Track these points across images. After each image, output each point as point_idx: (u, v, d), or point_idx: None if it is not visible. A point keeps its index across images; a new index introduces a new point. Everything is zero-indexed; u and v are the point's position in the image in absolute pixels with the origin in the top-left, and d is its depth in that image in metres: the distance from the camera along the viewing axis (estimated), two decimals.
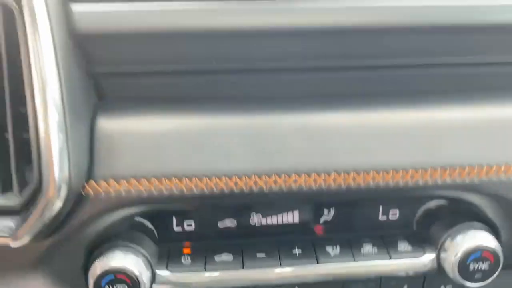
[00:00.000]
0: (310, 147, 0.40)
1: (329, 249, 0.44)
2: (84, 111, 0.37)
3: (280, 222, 0.46)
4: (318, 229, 0.46)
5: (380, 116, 0.40)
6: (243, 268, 0.42)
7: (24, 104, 0.34)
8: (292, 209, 0.44)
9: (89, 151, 0.36)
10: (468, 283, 0.41)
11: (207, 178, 0.39)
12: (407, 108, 0.40)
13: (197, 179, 0.38)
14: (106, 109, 0.38)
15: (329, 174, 0.38)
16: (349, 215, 0.45)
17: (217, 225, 0.45)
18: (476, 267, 0.39)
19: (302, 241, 0.44)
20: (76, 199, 0.36)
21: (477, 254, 0.41)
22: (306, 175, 0.38)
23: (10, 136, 0.35)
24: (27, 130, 0.34)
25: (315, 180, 0.39)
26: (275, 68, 0.41)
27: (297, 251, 0.44)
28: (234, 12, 0.36)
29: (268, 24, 0.37)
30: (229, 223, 0.46)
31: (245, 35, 0.38)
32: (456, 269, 0.41)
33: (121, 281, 0.38)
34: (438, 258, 0.40)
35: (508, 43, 0.40)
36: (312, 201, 0.43)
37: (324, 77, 0.41)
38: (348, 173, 0.37)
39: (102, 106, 0.38)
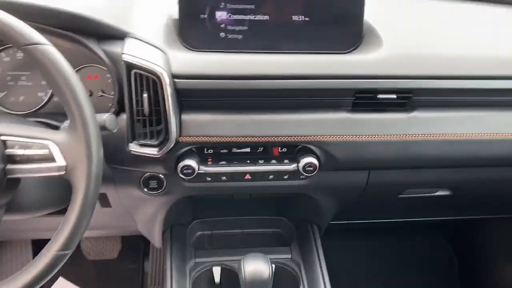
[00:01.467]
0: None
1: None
2: (177, 111, 0.87)
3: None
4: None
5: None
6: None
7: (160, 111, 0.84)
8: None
9: (179, 125, 0.87)
10: (306, 175, 0.94)
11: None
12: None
13: (224, 137, 0.89)
14: (184, 110, 0.88)
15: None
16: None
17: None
18: (308, 169, 0.90)
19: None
20: (176, 142, 0.86)
21: (309, 164, 0.97)
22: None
23: (154, 120, 0.91)
24: (160, 118, 0.85)
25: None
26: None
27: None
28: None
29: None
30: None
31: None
32: (302, 170, 0.92)
33: (188, 169, 0.92)
34: (297, 166, 0.92)
35: None
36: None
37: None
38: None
39: (182, 109, 0.88)
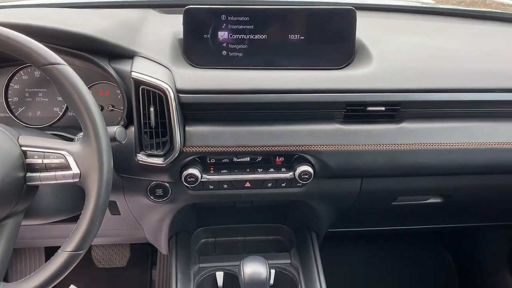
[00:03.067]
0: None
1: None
2: (182, 123, 0.94)
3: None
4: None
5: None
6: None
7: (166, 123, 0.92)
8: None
9: (183, 136, 0.95)
10: (302, 182, 1.00)
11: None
12: None
13: (225, 147, 0.96)
14: (188, 123, 0.95)
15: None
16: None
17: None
18: (304, 177, 0.99)
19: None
20: (180, 152, 0.94)
21: (304, 172, 1.05)
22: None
23: (160, 131, 0.99)
24: (165, 130, 0.92)
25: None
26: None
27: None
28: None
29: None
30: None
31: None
32: (298, 177, 1.01)
33: (192, 177, 1.02)
34: (294, 174, 0.98)
35: None
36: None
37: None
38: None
39: (185, 122, 0.95)
